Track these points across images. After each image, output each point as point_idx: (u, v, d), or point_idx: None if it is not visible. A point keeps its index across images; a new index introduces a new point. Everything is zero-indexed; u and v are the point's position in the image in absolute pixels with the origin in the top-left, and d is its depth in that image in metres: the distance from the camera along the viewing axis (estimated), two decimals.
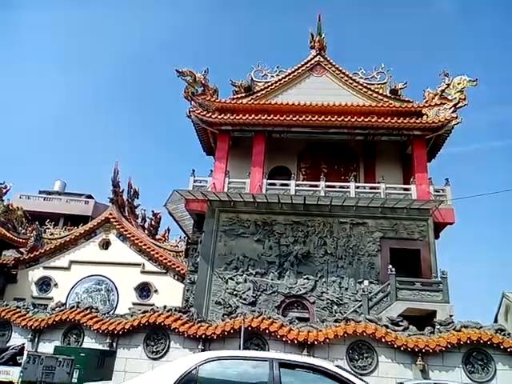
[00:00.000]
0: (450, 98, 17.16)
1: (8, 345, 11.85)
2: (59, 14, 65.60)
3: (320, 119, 16.83)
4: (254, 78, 19.78)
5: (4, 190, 23.58)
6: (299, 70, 19.54)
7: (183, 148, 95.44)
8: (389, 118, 16.77)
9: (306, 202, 15.96)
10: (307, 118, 16.88)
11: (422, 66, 64.00)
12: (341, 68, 19.42)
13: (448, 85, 17.29)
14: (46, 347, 12.79)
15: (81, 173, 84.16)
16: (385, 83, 19.30)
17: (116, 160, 25.90)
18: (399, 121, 16.68)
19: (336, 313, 14.23)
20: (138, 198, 25.82)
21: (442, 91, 17.39)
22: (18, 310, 14.13)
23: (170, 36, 75.98)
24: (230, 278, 15.45)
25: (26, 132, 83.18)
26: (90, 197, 38.82)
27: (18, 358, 10.36)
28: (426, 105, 17.48)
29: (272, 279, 15.38)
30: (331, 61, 19.65)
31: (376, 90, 18.95)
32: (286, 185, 16.84)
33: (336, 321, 11.93)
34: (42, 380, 10.02)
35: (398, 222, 15.89)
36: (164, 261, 22.31)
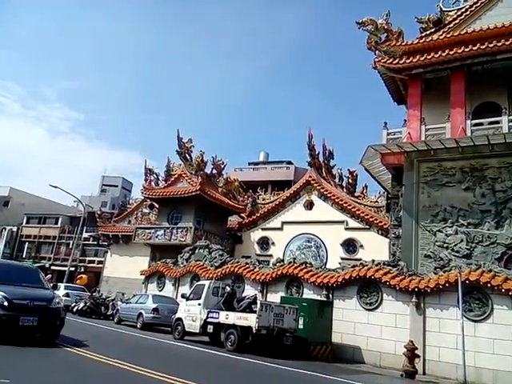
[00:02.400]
0: None
1: (243, 295, 14.27)
2: None
3: None
4: (444, 8, 17.50)
5: (222, 166, 27.65)
6: None
7: (372, 103, 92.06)
8: None
9: None
10: None
11: None
12: None
13: None
14: (273, 297, 14.89)
15: (280, 141, 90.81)
16: None
17: (309, 125, 27.03)
18: None
19: None
20: (333, 159, 26.55)
21: None
22: (247, 265, 16.77)
23: None
24: (438, 231, 14.68)
25: (233, 111, 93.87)
26: (289, 163, 41.92)
27: (252, 306, 12.44)
28: None
29: (488, 229, 13.93)
30: None
31: None
32: (497, 122, 14.72)
33: None
34: (274, 325, 11.83)
35: None
36: (366, 217, 22.64)
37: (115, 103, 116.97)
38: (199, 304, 13.87)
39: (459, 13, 16.91)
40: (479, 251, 13.86)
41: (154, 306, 16.68)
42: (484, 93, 16.13)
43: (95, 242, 36.70)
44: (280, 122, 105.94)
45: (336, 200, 23.78)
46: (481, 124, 15.03)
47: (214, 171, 27.03)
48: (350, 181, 26.03)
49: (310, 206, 24.87)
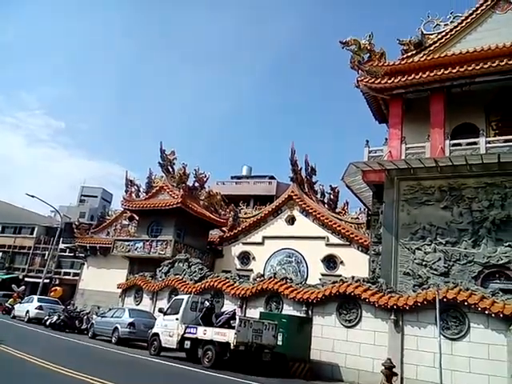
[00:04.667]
0: None
1: (222, 310, 14.07)
2: None
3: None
4: (425, 32, 17.99)
5: (205, 179, 27.52)
6: (478, 11, 16.92)
7: (353, 121, 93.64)
8: None
9: (501, 160, 13.99)
10: (495, 64, 14.63)
11: None
12: None
13: None
14: (252, 313, 14.72)
15: (262, 156, 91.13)
16: None
17: (291, 140, 27.22)
18: None
19: None
20: (315, 175, 26.77)
21: None
22: (227, 280, 16.58)
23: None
24: (417, 248, 14.84)
25: (218, 124, 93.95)
26: (272, 177, 42.07)
27: (231, 321, 12.24)
28: None
29: (465, 248, 14.15)
30: None
31: None
32: (474, 143, 15.07)
33: None
34: (253, 341, 11.65)
35: None
36: (346, 233, 22.76)
37: (96, 112, 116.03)
38: (177, 319, 13.60)
39: (440, 36, 17.43)
40: (457, 269, 14.04)
41: (131, 320, 16.27)
42: (463, 114, 16.55)
43: (72, 254, 35.88)
44: (263, 137, 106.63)
45: (317, 216, 23.87)
46: (459, 144, 15.37)
47: (197, 184, 26.89)
48: (332, 197, 26.24)
49: (291, 221, 24.91)
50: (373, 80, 16.98)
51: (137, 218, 27.13)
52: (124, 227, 29.39)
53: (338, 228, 23.08)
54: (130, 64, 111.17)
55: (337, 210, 25.85)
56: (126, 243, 25.14)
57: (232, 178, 44.76)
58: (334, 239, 23.17)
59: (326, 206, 25.96)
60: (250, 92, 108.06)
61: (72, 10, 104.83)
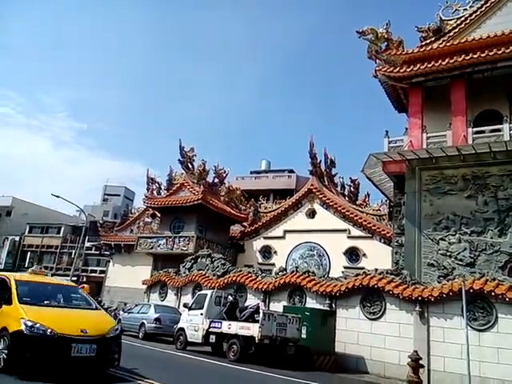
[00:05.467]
0: None
1: (246, 305, 14.19)
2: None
3: None
4: (444, 17, 17.59)
5: (224, 175, 27.69)
6: None
7: (373, 111, 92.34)
8: None
9: None
10: None
11: None
12: None
13: None
14: (275, 306, 14.81)
15: (282, 150, 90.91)
16: None
17: (310, 133, 27.09)
18: None
19: None
20: (334, 167, 26.59)
21: None
22: (249, 274, 16.70)
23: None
24: (441, 239, 14.61)
25: (237, 119, 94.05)
26: (291, 171, 41.95)
27: (255, 315, 12.36)
28: None
29: (491, 237, 13.85)
30: None
31: None
32: (498, 130, 14.71)
33: None
34: (277, 335, 11.74)
35: None
36: (368, 225, 22.58)
37: (116, 113, 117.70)
38: (201, 314, 13.80)
39: (459, 22, 17.01)
40: (483, 259, 13.77)
41: (156, 315, 16.59)
42: (485, 101, 16.16)
43: (97, 252, 36.68)
44: (282, 130, 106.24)
45: (338, 208, 23.74)
46: (482, 132, 15.03)
47: (216, 180, 27.09)
48: (352, 189, 26.02)
49: (312, 214, 24.84)
50: (391, 69, 16.72)
51: (159, 215, 27.53)
52: (147, 224, 29.87)
53: (359, 220, 22.92)
54: (146, 64, 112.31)
55: (358, 202, 25.63)
56: (150, 240, 25.57)
57: (251, 172, 44.83)
58: (355, 231, 23.01)
59: (346, 198, 25.77)
60: (268, 86, 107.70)
61: (85, 9, 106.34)
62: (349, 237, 23.02)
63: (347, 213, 23.39)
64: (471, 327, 10.79)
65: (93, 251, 38.89)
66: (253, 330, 11.64)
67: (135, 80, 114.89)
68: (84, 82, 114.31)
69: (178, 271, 20.25)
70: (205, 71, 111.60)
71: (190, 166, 26.29)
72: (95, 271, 39.28)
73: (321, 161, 25.71)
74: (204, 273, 18.60)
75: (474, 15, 16.72)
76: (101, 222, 32.26)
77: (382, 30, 17.12)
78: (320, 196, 24.56)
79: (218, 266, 18.50)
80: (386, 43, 17.21)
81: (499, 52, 14.53)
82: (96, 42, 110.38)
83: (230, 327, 12.48)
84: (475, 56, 15.00)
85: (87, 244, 39.09)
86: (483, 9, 16.60)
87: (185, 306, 15.19)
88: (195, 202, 23.61)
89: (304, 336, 12.34)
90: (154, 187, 27.66)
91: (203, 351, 13.52)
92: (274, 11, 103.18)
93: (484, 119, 15.95)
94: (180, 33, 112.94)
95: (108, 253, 30.85)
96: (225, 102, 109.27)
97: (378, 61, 17.20)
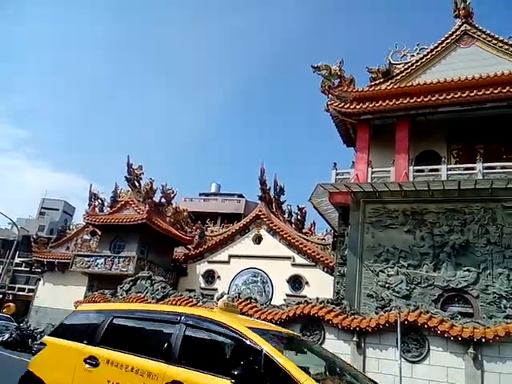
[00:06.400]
0: None
1: None
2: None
3: (472, 94, 15.15)
4: (392, 61, 18.79)
5: (172, 195, 27.16)
6: (443, 44, 17.88)
7: (323, 143, 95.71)
8: None
9: (461, 187, 14.57)
10: (456, 95, 15.37)
11: None
12: (492, 34, 17.13)
13: None
14: None
15: (232, 174, 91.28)
16: None
17: (261, 160, 27.45)
18: None
19: (506, 308, 12.71)
20: (283, 195, 26.96)
21: None
22: (190, 299, 16.16)
23: (301, 34, 76.77)
24: (381, 271, 15.06)
25: (190, 140, 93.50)
26: (241, 196, 42.05)
27: None
28: None
29: (427, 271, 14.48)
30: (480, 28, 17.47)
31: None
32: (436, 170, 15.64)
33: (507, 317, 10.71)
34: None
35: None
36: (312, 254, 22.87)
37: (64, 124, 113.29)
38: None
39: (406, 66, 18.20)
40: (418, 292, 14.30)
41: None
42: (426, 142, 17.21)
43: (27, 269, 34.28)
44: (234, 156, 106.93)
45: (284, 235, 23.91)
46: (422, 171, 15.89)
47: (163, 200, 26.49)
48: (299, 217, 26.42)
49: (258, 240, 24.82)
50: (342, 105, 17.43)
51: (99, 233, 26.30)
52: (85, 242, 28.39)
53: (304, 248, 23.17)
54: (102, 77, 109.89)
55: (304, 231, 26.02)
56: (87, 259, 24.25)
57: (200, 194, 44.40)
58: (299, 259, 23.20)
59: (293, 225, 26.08)
60: (222, 111, 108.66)
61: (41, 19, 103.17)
62: (293, 264, 23.14)
63: (293, 240, 23.60)
64: (405, 359, 11.01)
65: (23, 268, 36.31)
66: None
67: (88, 92, 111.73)
68: (30, 88, 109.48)
69: (114, 293, 19.22)
70: (162, 89, 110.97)
71: (137, 184, 25.56)
72: (23, 289, 36.61)
73: (270, 187, 26.02)
74: (143, 296, 17.78)
75: (420, 62, 17.97)
76: (34, 236, 30.28)
77: (335, 67, 17.93)
78: (267, 222, 24.66)
79: (157, 289, 17.79)
80: (338, 80, 18.01)
81: (441, 98, 15.61)
82: (47, 45, 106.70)
83: None
84: (419, 100, 16.01)
85: (17, 260, 36.49)
86: (428, 56, 17.90)
87: None
88: (139, 222, 22.85)
89: None
90: (97, 203, 26.56)
91: None
92: (239, 35, 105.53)
93: (424, 159, 16.94)
94: (137, 46, 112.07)
95: (39, 270, 28.87)
96: (179, 122, 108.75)
97: (330, 96, 17.90)
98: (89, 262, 23.99)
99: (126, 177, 25.29)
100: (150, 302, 17.03)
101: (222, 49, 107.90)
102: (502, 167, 14.88)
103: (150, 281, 18.52)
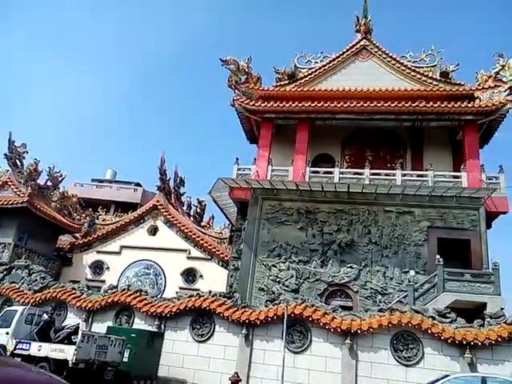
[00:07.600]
0: (504, 80, 16.19)
1: (63, 324, 12.63)
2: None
3: (365, 105, 16.42)
4: (298, 65, 19.54)
5: (60, 179, 24.90)
6: (344, 55, 19.09)
7: (227, 137, 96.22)
8: (438, 103, 16.09)
9: (350, 190, 15.73)
10: (352, 105, 16.53)
11: (475, 48, 60.39)
12: (387, 52, 18.77)
13: (503, 66, 16.34)
14: (99, 327, 13.51)
15: (130, 161, 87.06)
16: (434, 66, 18.49)
17: (163, 149, 26.62)
18: (449, 105, 15.96)
19: (380, 302, 14.04)
20: (183, 186, 26.47)
21: (497, 73, 16.47)
22: (73, 291, 15.01)
23: (212, 28, 76.23)
24: (273, 265, 15.59)
25: (80, 121, 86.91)
26: (138, 185, 40.19)
27: (72, 337, 11.02)
28: (479, 88, 16.59)
29: (315, 267, 15.36)
30: (377, 44, 19.03)
31: (425, 73, 18.19)
32: (330, 172, 16.65)
33: (380, 310, 11.79)
34: (95, 358, 10.63)
35: (446, 211, 15.34)
36: (209, 247, 22.80)
37: None
38: (7, 333, 11.78)
39: (310, 72, 19.06)
40: (306, 287, 15.10)
41: None
42: (323, 145, 18.23)
43: None
44: (133, 141, 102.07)
45: (181, 228, 23.47)
46: (318, 172, 16.81)
47: (49, 183, 24.17)
48: (198, 210, 26.19)
49: (154, 231, 24.00)
50: (248, 101, 17.63)
51: None
52: None
53: (200, 241, 22.98)
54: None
55: (202, 224, 25.85)
56: None
57: (93, 180, 41.49)
58: (195, 252, 22.97)
59: (191, 218, 25.76)
60: (121, 93, 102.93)
61: None
62: (188, 257, 22.83)
63: (190, 233, 23.27)
64: (289, 349, 11.51)
65: None
66: (67, 352, 10.30)
67: None
68: None
69: None
70: (59, 66, 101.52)
71: (19, 164, 22.97)
72: None
73: (170, 178, 25.35)
74: (18, 286, 16.06)
75: (323, 69, 18.94)
76: None
77: (243, 63, 18.06)
78: (165, 213, 23.97)
79: (36, 280, 16.20)
80: (245, 76, 18.17)
81: (338, 105, 16.64)
82: None
83: (40, 349, 10.83)
84: (319, 105, 16.86)
85: None
86: (331, 65, 18.96)
87: None
88: (19, 205, 20.55)
89: (126, 360, 11.44)
90: None
91: None
92: (152, 15, 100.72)
93: (321, 161, 17.92)
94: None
95: None
96: (75, 102, 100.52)
97: (236, 91, 17.98)
98: None
99: (5, 154, 22.56)
100: (26, 294, 15.48)
101: (134, 27, 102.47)
102: (386, 174, 16.38)
103: (27, 270, 16.80)
